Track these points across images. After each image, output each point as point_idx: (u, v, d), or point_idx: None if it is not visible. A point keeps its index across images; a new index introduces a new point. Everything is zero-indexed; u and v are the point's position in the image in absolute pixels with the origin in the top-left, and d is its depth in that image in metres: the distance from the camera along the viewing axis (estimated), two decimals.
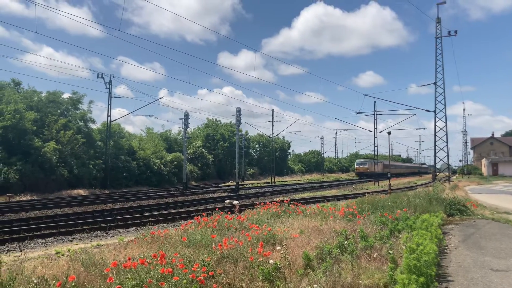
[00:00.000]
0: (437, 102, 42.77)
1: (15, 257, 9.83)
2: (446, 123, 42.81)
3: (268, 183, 56.59)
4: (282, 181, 62.88)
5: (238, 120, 36.88)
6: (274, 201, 14.82)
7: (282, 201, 14.99)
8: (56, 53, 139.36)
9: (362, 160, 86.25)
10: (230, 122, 75.34)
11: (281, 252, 5.86)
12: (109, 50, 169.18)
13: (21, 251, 11.17)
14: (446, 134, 42.80)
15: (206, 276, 5.42)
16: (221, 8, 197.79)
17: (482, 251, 8.73)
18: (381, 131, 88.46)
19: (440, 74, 42.77)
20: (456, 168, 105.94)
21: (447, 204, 15.37)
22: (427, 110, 45.67)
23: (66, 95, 44.52)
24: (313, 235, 8.89)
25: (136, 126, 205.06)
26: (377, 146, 56.60)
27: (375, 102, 64.84)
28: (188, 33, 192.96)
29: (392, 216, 10.98)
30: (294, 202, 15.69)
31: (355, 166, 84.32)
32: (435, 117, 42.80)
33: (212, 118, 77.22)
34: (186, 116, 41.02)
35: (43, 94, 42.64)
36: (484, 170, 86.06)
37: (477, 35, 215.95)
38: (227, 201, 25.18)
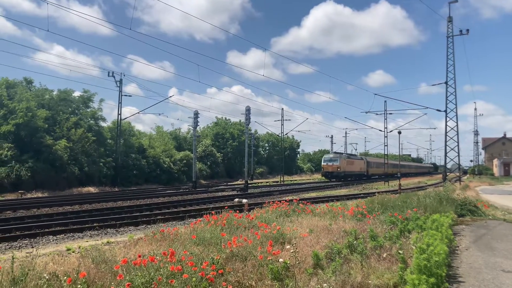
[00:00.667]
0: (448, 101, 42.41)
1: (27, 253, 9.94)
2: (457, 122, 42.47)
3: (277, 182, 56.53)
4: (291, 180, 62.79)
5: (248, 119, 36.89)
6: (283, 200, 14.81)
7: (291, 200, 14.96)
8: (67, 52, 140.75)
9: (331, 155, 62.50)
10: (240, 121, 75.47)
11: (291, 251, 5.85)
12: (120, 48, 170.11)
13: (32, 247, 11.30)
14: (457, 134, 42.44)
15: (215, 274, 5.43)
16: (231, 6, 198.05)
17: (494, 252, 8.64)
18: (391, 131, 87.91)
19: (451, 73, 42.38)
20: (467, 168, 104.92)
21: (457, 204, 15.24)
22: (438, 110, 45.45)
23: (77, 93, 44.94)
24: (322, 234, 8.87)
25: (146, 124, 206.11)
26: (387, 145, 56.13)
27: (385, 101, 63.99)
28: (197, 32, 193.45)
29: (402, 216, 10.91)
30: (303, 201, 15.66)
31: (322, 163, 61.83)
32: (446, 116, 42.45)
33: (222, 117, 77.48)
34: (196, 114, 41.13)
35: (55, 92, 43.06)
36: (496, 170, 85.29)
37: (489, 34, 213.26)
38: (236, 199, 25.21)
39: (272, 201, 16.43)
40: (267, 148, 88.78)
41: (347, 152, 78.55)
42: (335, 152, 70.29)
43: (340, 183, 49.02)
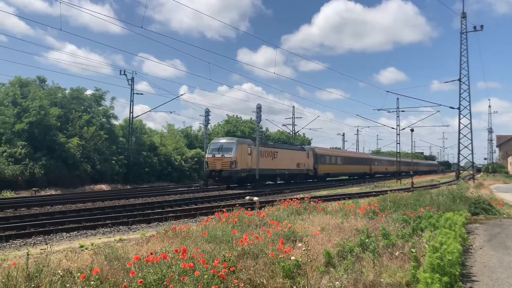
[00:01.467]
0: (461, 99, 41.96)
1: (41, 249, 10.07)
2: (470, 120, 42.06)
3: None
4: None
5: (259, 116, 36.86)
6: (294, 198, 14.77)
7: (303, 198, 14.93)
8: (78, 50, 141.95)
9: (223, 140, 37.00)
10: (251, 118, 75.41)
11: (303, 249, 5.84)
12: (131, 46, 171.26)
13: (46, 244, 11.43)
14: (471, 132, 42.05)
15: (227, 271, 5.44)
16: (240, 4, 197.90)
17: (508, 251, 8.53)
18: (404, 128, 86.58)
19: (465, 70, 41.99)
20: (480, 166, 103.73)
21: (471, 202, 15.07)
22: (451, 107, 44.94)
23: (89, 92, 45.32)
24: (334, 232, 8.84)
25: (157, 122, 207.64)
26: (399, 143, 55.51)
27: (397, 98, 63.22)
28: (208, 30, 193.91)
29: (415, 214, 10.83)
30: (314, 199, 15.62)
31: (206, 156, 36.93)
32: (459, 114, 42.02)
33: (233, 115, 77.49)
34: (207, 112, 41.24)
35: (67, 91, 43.48)
36: (510, 168, 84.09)
37: (503, 30, 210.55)
38: (247, 197, 25.24)
39: (283, 199, 16.41)
40: None
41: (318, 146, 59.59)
42: (232, 136, 45.28)
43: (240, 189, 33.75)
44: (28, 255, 5.93)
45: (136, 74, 57.83)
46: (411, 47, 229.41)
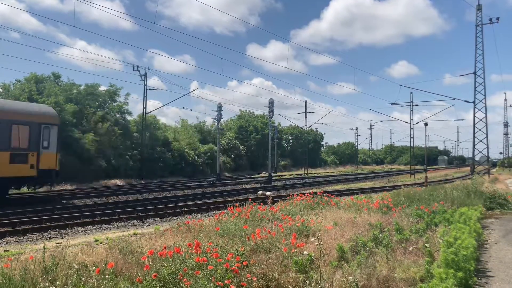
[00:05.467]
0: (476, 92, 41.33)
1: (57, 243, 10.22)
2: (486, 114, 41.34)
3: (301, 174, 56.36)
4: (315, 173, 62.49)
5: (271, 111, 36.83)
6: (307, 193, 14.77)
7: (315, 193, 14.90)
8: (89, 46, 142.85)
9: None
10: (263, 113, 75.37)
11: (316, 243, 5.84)
12: (141, 42, 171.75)
13: (62, 238, 11.61)
14: (486, 126, 41.33)
15: (240, 265, 5.47)
16: None
17: None
18: (417, 122, 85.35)
19: (480, 63, 41.24)
20: (496, 160, 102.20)
21: (486, 197, 14.89)
22: (466, 101, 44.33)
23: (102, 88, 45.69)
24: (347, 227, 8.81)
25: (169, 117, 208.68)
26: (413, 137, 54.92)
27: (411, 92, 62.83)
28: (217, 25, 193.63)
29: (429, 209, 10.74)
30: (327, 194, 15.58)
31: None
32: (474, 108, 41.40)
33: (245, 110, 77.53)
34: (219, 108, 41.31)
35: (82, 87, 43.89)
36: None
37: None
38: (260, 192, 25.28)
39: (296, 194, 16.40)
40: (291, 140, 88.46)
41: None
42: None
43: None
44: (44, 248, 6.03)
45: (149, 70, 58.11)
46: (423, 40, 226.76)
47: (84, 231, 13.22)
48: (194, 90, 60.50)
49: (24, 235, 12.15)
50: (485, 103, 41.34)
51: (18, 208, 17.00)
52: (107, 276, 5.08)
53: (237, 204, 11.53)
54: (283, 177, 49.56)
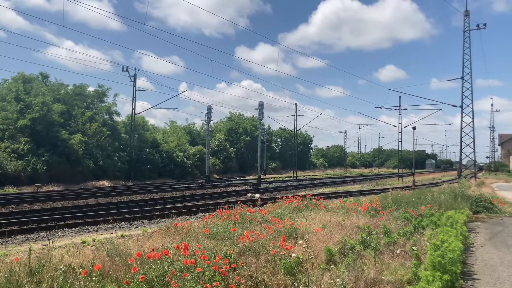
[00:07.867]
0: (463, 97, 41.82)
1: (43, 245, 10.11)
2: (473, 118, 41.82)
3: (290, 177, 56.49)
4: (304, 176, 62.71)
5: (261, 114, 36.88)
6: (296, 195, 14.79)
7: (304, 195, 14.94)
8: (76, 46, 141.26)
9: None
10: (253, 116, 75.41)
11: (304, 246, 5.85)
12: (130, 43, 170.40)
13: (48, 239, 11.48)
14: (473, 130, 41.83)
15: (228, 268, 5.46)
16: (238, 0, 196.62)
17: (510, 250, 8.53)
18: (405, 126, 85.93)
19: (467, 68, 41.75)
20: (482, 164, 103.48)
21: (473, 201, 15.06)
22: (453, 105, 44.64)
23: (91, 88, 45.37)
24: (335, 230, 8.84)
25: (157, 119, 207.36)
26: (401, 141, 55.30)
27: (400, 96, 62.95)
28: (205, 27, 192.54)
29: (416, 212, 10.81)
30: (316, 197, 15.62)
31: None
32: (462, 112, 41.88)
33: (235, 112, 77.50)
34: (209, 109, 41.25)
35: (70, 87, 43.51)
36: None
37: (503, 28, 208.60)
38: (249, 194, 25.26)
39: (285, 196, 16.40)
40: (280, 143, 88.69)
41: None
42: None
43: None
44: (30, 250, 5.95)
45: (138, 71, 57.76)
46: (411, 45, 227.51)
47: (71, 232, 13.09)
48: (184, 91, 60.34)
49: (10, 236, 11.99)
50: (472, 108, 41.88)
51: None
52: (94, 278, 5.03)
53: (226, 206, 11.51)
54: (272, 179, 49.60)
